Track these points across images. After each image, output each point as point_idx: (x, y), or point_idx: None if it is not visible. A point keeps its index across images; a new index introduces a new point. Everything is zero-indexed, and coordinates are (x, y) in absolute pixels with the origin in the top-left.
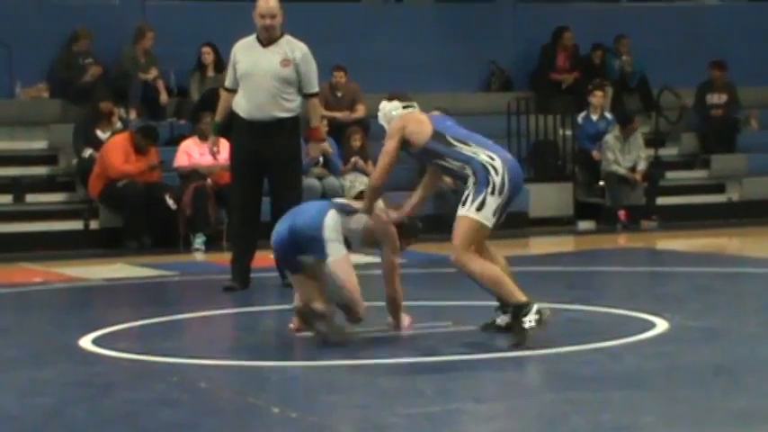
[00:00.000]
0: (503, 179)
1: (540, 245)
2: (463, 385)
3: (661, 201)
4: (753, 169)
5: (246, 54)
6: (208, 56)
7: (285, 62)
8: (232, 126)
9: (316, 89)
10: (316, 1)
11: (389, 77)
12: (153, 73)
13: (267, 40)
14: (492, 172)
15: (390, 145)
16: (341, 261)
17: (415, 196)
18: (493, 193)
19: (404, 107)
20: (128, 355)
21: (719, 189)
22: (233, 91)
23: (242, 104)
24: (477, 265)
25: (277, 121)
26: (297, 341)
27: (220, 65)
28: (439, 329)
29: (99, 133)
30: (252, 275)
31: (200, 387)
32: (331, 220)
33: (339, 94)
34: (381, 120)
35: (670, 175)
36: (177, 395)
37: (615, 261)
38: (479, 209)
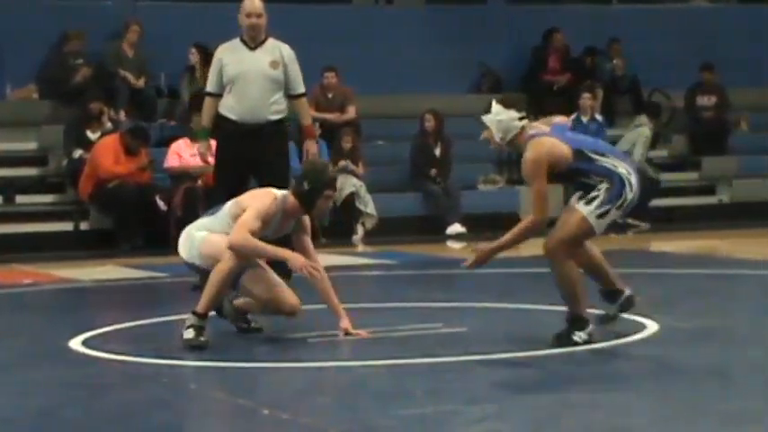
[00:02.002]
0: (633, 198)
1: (532, 246)
2: (455, 387)
3: (652, 202)
4: (743, 171)
5: (233, 57)
6: (194, 56)
7: (274, 64)
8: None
9: (303, 89)
10: (306, 2)
11: (380, 79)
12: (141, 81)
13: (253, 41)
14: (628, 188)
15: (541, 185)
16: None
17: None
18: (619, 207)
19: (520, 118)
20: (119, 357)
21: (710, 191)
22: (218, 95)
23: (232, 107)
24: (569, 267)
25: (268, 124)
26: (288, 342)
27: (208, 66)
28: (430, 331)
29: (89, 134)
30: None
31: (190, 388)
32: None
33: (330, 96)
34: (496, 127)
35: (661, 176)
36: (168, 396)
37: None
38: (600, 216)
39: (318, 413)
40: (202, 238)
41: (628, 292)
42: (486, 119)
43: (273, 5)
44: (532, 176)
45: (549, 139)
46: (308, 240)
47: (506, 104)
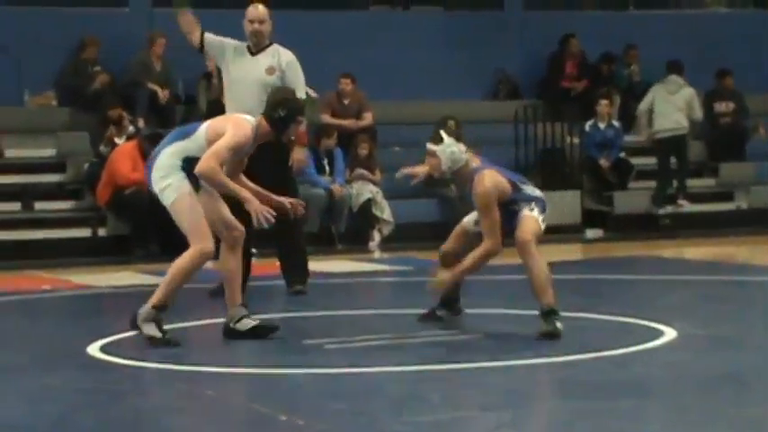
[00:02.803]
0: (544, 208)
1: (548, 253)
2: (470, 393)
3: (670, 209)
4: (761, 177)
5: (237, 60)
6: (211, 63)
7: (270, 70)
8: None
9: (302, 95)
10: (323, 9)
11: (397, 85)
12: (166, 94)
13: (256, 46)
14: (546, 205)
15: (495, 214)
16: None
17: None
18: (544, 220)
19: (466, 151)
20: (135, 363)
21: (728, 197)
22: (197, 36)
23: (232, 112)
24: (541, 259)
25: None
26: (304, 349)
27: None
28: (445, 337)
29: (115, 139)
30: (257, 284)
31: (206, 394)
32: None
33: (346, 102)
34: (446, 158)
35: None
36: (184, 403)
37: (623, 269)
38: (542, 220)
39: (334, 419)
40: (172, 200)
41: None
42: (438, 149)
43: (290, 12)
44: (486, 208)
45: (491, 172)
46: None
47: (456, 137)
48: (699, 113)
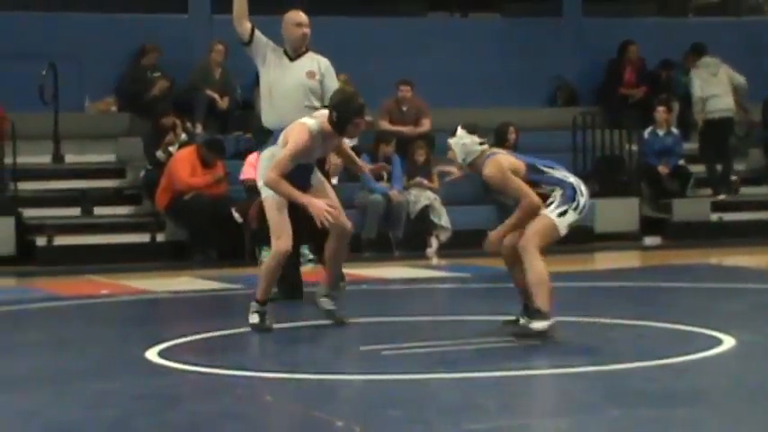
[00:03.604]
0: (585, 202)
1: (606, 260)
2: (527, 400)
3: (729, 216)
4: None
5: (277, 63)
6: None
7: (311, 74)
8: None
9: None
10: (383, 15)
11: (455, 92)
12: (226, 101)
13: (295, 51)
14: (578, 193)
15: (515, 182)
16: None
17: None
18: (576, 209)
19: (480, 143)
20: (193, 368)
21: None
22: (248, 26)
23: (271, 118)
24: (538, 260)
25: None
26: (361, 355)
27: None
28: (503, 344)
29: (169, 148)
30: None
31: (265, 400)
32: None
33: (404, 109)
34: (459, 150)
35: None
36: (242, 408)
37: (681, 277)
38: (560, 215)
39: (390, 426)
40: (263, 197)
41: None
42: (452, 141)
43: (350, 19)
44: (501, 183)
45: (503, 155)
46: (347, 150)
47: (469, 130)
48: (742, 80)
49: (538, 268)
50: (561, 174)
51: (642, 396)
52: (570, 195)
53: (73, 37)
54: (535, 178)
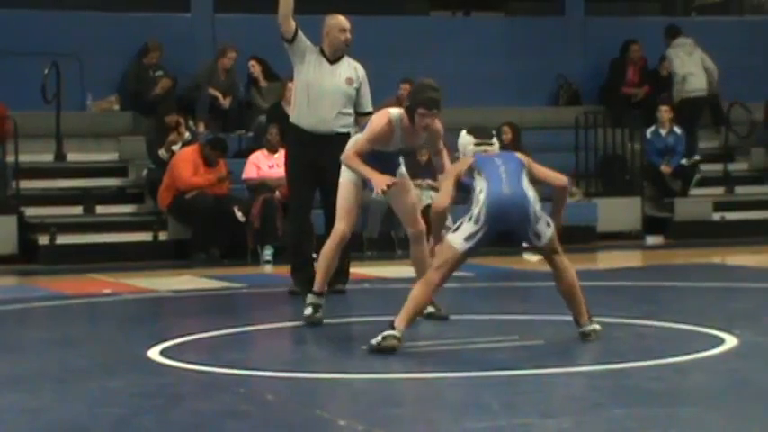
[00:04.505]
0: (479, 211)
1: (609, 259)
2: (530, 399)
3: (731, 216)
4: None
5: (317, 65)
6: (254, 69)
7: (349, 80)
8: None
9: (371, 109)
10: (385, 15)
11: (458, 91)
12: (228, 101)
13: (333, 55)
14: (474, 203)
15: (445, 183)
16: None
17: None
18: (470, 220)
19: (476, 144)
20: (196, 367)
21: None
22: (293, 25)
23: (305, 117)
24: (425, 288)
25: (337, 135)
26: (363, 354)
27: (270, 78)
28: (506, 343)
29: (173, 147)
30: None
31: (267, 399)
32: None
33: None
34: (459, 148)
35: (739, 190)
36: (245, 407)
37: (684, 276)
38: (455, 230)
39: (393, 425)
40: (339, 180)
41: (584, 328)
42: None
43: (353, 18)
44: (443, 176)
45: (468, 158)
46: (442, 156)
47: (469, 130)
48: (712, 64)
49: (419, 293)
50: (479, 181)
51: (645, 395)
52: (468, 208)
53: (75, 35)
54: (466, 183)
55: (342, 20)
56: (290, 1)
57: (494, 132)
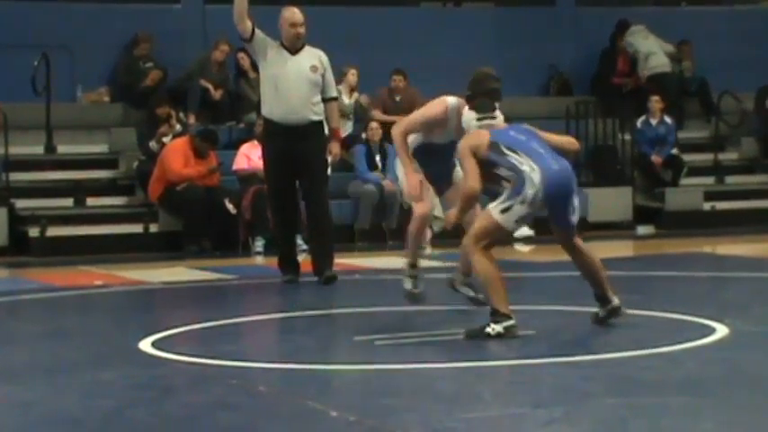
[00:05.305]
0: (536, 193)
1: (599, 249)
2: (522, 390)
3: (721, 205)
4: None
5: (279, 58)
6: (244, 61)
7: (314, 68)
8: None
9: (336, 93)
10: (375, 5)
11: (448, 81)
12: (219, 93)
13: (294, 47)
14: (527, 185)
15: (468, 164)
16: None
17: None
18: (522, 203)
19: (478, 119)
20: (187, 358)
21: None
22: (249, 24)
23: (276, 109)
24: (481, 260)
25: (310, 124)
26: (354, 345)
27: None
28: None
29: (163, 139)
30: (308, 279)
31: (259, 390)
32: None
33: (398, 99)
34: (464, 125)
35: (730, 179)
36: (236, 398)
37: (675, 266)
38: (503, 211)
39: (386, 415)
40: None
41: (615, 302)
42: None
43: (344, 9)
44: (461, 160)
45: (480, 132)
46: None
47: (471, 106)
48: (670, 46)
49: (482, 268)
50: (520, 159)
51: (636, 385)
52: (518, 189)
53: (65, 27)
54: (493, 159)
55: (292, 15)
56: (244, 2)
57: (496, 105)
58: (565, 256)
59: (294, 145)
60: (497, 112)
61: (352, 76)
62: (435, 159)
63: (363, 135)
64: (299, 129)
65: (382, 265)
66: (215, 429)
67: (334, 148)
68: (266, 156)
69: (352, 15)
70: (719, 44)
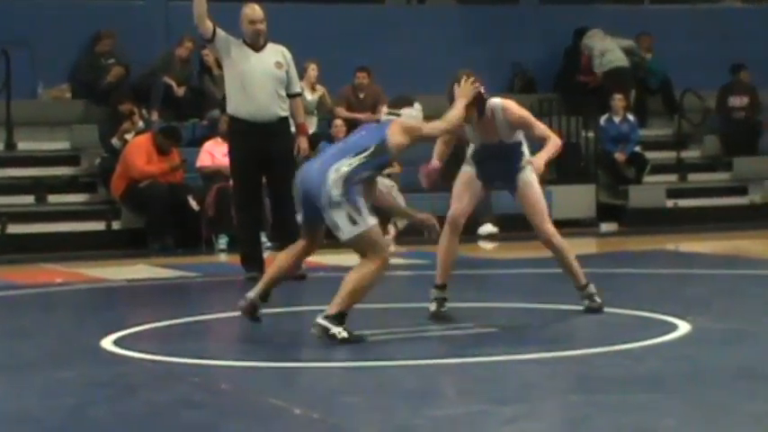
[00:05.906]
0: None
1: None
2: (486, 387)
3: (684, 203)
4: None
5: (242, 56)
6: (209, 57)
7: (278, 65)
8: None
9: (300, 89)
10: (338, 2)
11: (412, 79)
12: (182, 90)
13: (257, 45)
14: None
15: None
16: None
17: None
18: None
19: (388, 113)
20: (149, 356)
21: (742, 191)
22: (209, 25)
23: (243, 107)
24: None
25: (278, 120)
26: (319, 342)
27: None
28: (461, 331)
29: (125, 136)
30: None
31: (221, 388)
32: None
33: (361, 96)
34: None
35: (692, 177)
36: (199, 396)
37: (637, 263)
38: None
39: (349, 413)
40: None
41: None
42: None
43: (307, 6)
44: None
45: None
46: (543, 132)
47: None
48: (631, 42)
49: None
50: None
51: (600, 381)
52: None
53: (26, 23)
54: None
55: (252, 12)
56: (203, 3)
57: (411, 101)
58: (529, 254)
59: (262, 142)
60: (404, 110)
61: (312, 71)
62: (496, 158)
63: (330, 131)
64: (267, 126)
65: (346, 262)
66: (177, 428)
67: (303, 143)
68: (233, 153)
69: (318, 12)
70: (682, 42)
